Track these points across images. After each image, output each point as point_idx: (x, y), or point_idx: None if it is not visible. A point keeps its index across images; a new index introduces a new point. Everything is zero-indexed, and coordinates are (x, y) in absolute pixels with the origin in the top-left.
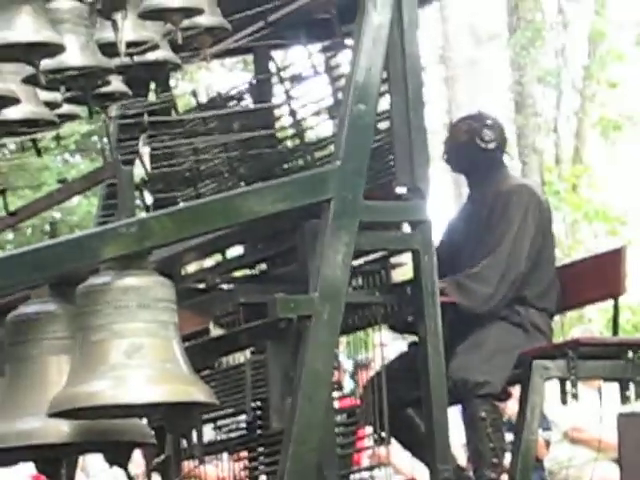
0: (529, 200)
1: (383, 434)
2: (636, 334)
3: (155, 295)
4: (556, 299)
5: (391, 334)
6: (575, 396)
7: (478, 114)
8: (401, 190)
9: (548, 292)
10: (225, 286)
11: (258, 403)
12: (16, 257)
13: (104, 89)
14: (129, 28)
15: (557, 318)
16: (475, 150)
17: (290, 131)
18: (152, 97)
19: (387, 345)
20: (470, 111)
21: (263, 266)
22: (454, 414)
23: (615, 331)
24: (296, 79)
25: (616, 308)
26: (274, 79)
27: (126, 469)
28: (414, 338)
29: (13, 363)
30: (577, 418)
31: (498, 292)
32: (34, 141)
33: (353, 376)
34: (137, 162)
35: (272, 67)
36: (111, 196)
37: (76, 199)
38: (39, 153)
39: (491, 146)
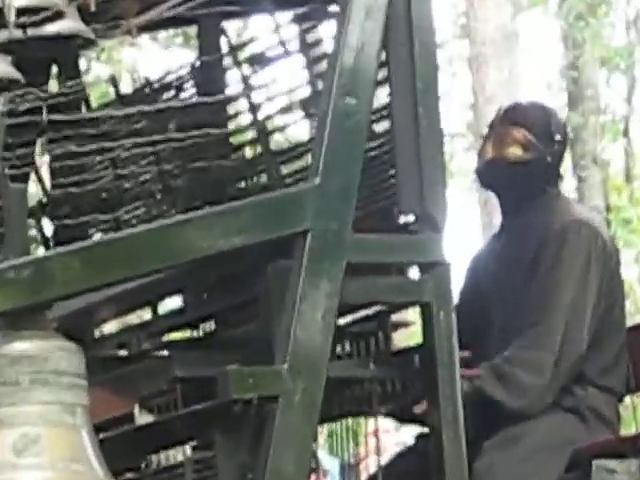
0: (591, 244)
1: None
2: None
3: (57, 366)
4: (625, 374)
5: (387, 425)
6: None
7: (539, 112)
8: (406, 219)
9: (615, 366)
10: (157, 354)
11: None
12: None
13: None
14: None
15: (627, 400)
16: (527, 168)
17: (250, 134)
18: (54, 86)
19: (387, 434)
20: (524, 102)
21: (210, 326)
22: None
23: None
24: (258, 61)
25: None
26: (227, 61)
27: None
28: (424, 428)
29: None
30: None
31: (554, 382)
32: None
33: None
34: (32, 177)
35: (224, 44)
36: None
37: None
38: None
39: (549, 161)
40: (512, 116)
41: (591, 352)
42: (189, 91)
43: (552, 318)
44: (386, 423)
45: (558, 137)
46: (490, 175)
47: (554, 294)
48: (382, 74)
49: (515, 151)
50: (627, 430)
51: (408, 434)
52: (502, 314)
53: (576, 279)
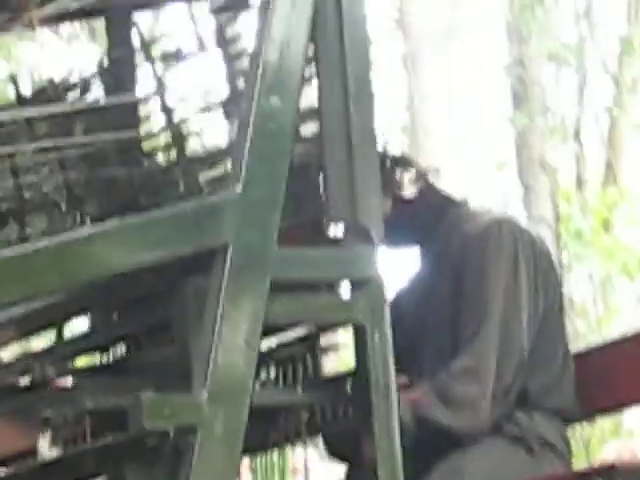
0: (517, 242)
1: None
2: None
3: None
4: (572, 393)
5: (314, 455)
6: None
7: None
8: (337, 230)
9: (560, 382)
10: (62, 382)
11: None
12: None
13: None
14: None
15: (580, 431)
16: (403, 212)
17: (163, 138)
18: None
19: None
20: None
21: (121, 350)
22: None
23: None
24: (173, 57)
25: None
26: (138, 57)
27: None
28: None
29: None
30: None
31: (498, 393)
32: None
33: None
34: None
35: (135, 38)
36: None
37: None
38: None
39: (412, 191)
40: None
41: (532, 367)
42: (97, 91)
43: (486, 330)
44: (313, 456)
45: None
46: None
47: (485, 306)
48: (310, 71)
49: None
50: (579, 462)
51: (337, 467)
52: (433, 345)
53: (505, 284)
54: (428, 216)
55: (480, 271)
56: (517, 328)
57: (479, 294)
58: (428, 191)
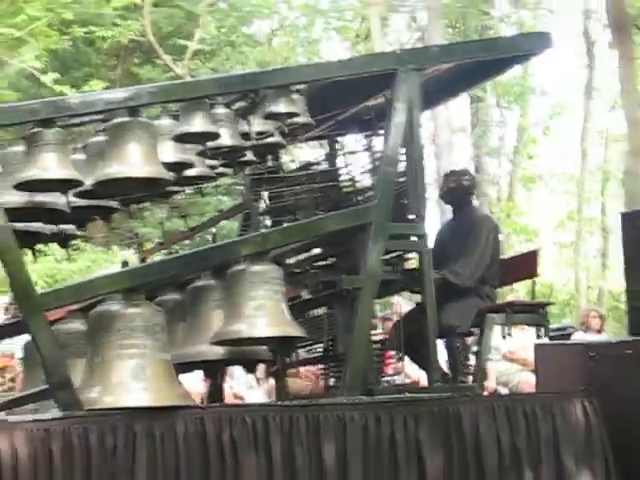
0: (491, 225)
1: (400, 355)
2: (544, 299)
3: (272, 275)
4: (499, 278)
5: (403, 300)
6: (510, 334)
7: (465, 174)
8: (411, 216)
9: (496, 275)
10: (311, 271)
11: (330, 337)
12: (192, 255)
13: (242, 159)
14: (257, 124)
15: (499, 290)
16: (461, 193)
17: (348, 183)
18: (269, 163)
19: (402, 304)
20: (460, 170)
21: (333, 260)
22: (440, 344)
23: (533, 297)
24: (351, 153)
25: (533, 284)
26: (339, 153)
27: (255, 374)
28: (418, 299)
29: (191, 316)
30: (511, 346)
31: (474, 275)
32: (200, 189)
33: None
34: (261, 200)
35: (338, 146)
36: (246, 219)
37: (225, 221)
38: (202, 195)
39: (470, 190)
40: (451, 175)
41: (487, 269)
42: (323, 165)
43: (475, 253)
44: (402, 300)
45: (467, 177)
46: (448, 197)
47: (475, 244)
48: (402, 158)
49: (453, 184)
50: (499, 301)
51: (411, 304)
52: (455, 253)
53: (485, 238)
54: (464, 204)
55: (477, 232)
56: (486, 254)
57: (475, 241)
58: (472, 194)
